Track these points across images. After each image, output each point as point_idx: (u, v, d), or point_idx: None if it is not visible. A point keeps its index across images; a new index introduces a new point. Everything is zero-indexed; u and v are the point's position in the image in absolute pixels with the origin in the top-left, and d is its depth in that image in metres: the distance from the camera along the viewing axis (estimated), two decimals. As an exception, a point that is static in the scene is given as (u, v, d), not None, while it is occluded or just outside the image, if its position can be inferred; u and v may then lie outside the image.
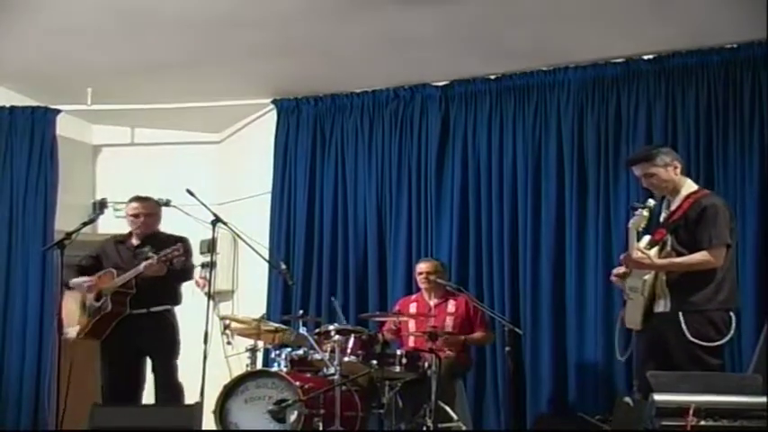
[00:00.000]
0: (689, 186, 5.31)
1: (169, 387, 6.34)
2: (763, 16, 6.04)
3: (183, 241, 6.41)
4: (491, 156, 7.46)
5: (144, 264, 6.17)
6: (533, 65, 7.34)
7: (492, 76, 7.53)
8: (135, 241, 6.55)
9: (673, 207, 5.27)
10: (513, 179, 7.36)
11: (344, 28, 6.90)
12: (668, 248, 5.18)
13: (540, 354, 7.06)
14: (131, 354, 6.37)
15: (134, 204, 6.58)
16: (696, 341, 5.00)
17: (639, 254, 5.12)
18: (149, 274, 6.18)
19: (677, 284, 5.12)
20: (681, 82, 6.86)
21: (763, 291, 6.31)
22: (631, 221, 5.18)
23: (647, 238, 5.25)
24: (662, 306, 5.15)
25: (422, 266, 7.00)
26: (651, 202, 5.20)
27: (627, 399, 4.86)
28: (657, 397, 4.33)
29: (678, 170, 5.30)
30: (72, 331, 6.36)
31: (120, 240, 6.64)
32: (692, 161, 6.58)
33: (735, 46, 6.68)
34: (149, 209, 6.58)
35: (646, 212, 5.12)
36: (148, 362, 6.46)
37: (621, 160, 6.93)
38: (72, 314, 6.40)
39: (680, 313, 5.04)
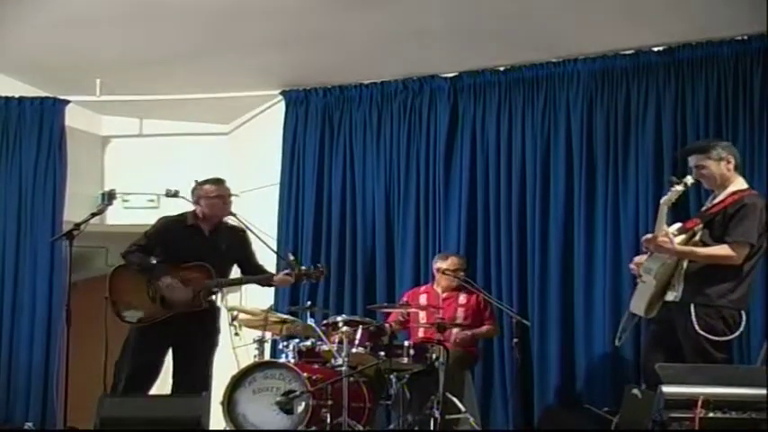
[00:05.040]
0: (738, 184, 5.23)
1: (204, 380, 6.17)
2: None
3: (244, 232, 6.31)
4: (500, 148, 7.44)
5: (279, 276, 6.21)
6: (542, 56, 7.31)
7: (501, 68, 7.51)
8: (205, 227, 6.28)
9: (715, 201, 5.22)
10: (521, 171, 7.34)
11: (353, 19, 6.89)
12: (696, 239, 5.14)
13: (548, 345, 7.05)
14: (168, 344, 6.22)
15: (214, 187, 6.24)
16: (704, 334, 4.98)
17: (664, 238, 5.07)
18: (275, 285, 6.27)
19: (695, 275, 5.08)
20: (690, 74, 6.82)
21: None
22: (664, 198, 5.10)
23: (678, 224, 5.21)
24: (672, 295, 5.13)
25: (455, 261, 6.97)
26: (689, 179, 5.13)
27: (635, 390, 4.85)
28: (666, 389, 4.32)
29: (731, 165, 5.22)
30: (131, 316, 6.13)
31: (189, 225, 6.28)
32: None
33: (745, 38, 6.65)
34: (228, 191, 6.30)
35: (680, 187, 5.06)
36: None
37: (630, 152, 6.94)
38: (133, 297, 6.15)
39: (691, 305, 5.02)
